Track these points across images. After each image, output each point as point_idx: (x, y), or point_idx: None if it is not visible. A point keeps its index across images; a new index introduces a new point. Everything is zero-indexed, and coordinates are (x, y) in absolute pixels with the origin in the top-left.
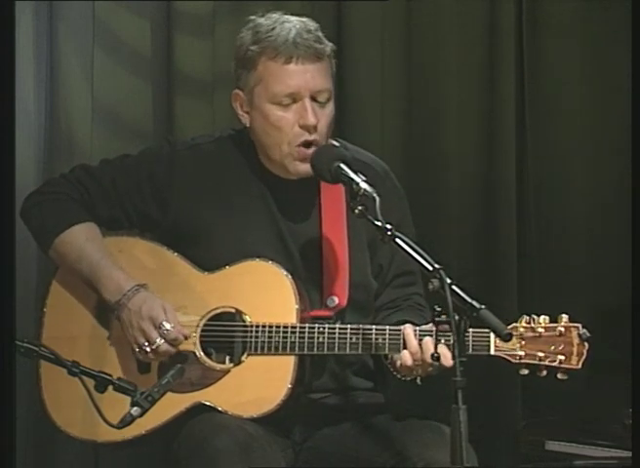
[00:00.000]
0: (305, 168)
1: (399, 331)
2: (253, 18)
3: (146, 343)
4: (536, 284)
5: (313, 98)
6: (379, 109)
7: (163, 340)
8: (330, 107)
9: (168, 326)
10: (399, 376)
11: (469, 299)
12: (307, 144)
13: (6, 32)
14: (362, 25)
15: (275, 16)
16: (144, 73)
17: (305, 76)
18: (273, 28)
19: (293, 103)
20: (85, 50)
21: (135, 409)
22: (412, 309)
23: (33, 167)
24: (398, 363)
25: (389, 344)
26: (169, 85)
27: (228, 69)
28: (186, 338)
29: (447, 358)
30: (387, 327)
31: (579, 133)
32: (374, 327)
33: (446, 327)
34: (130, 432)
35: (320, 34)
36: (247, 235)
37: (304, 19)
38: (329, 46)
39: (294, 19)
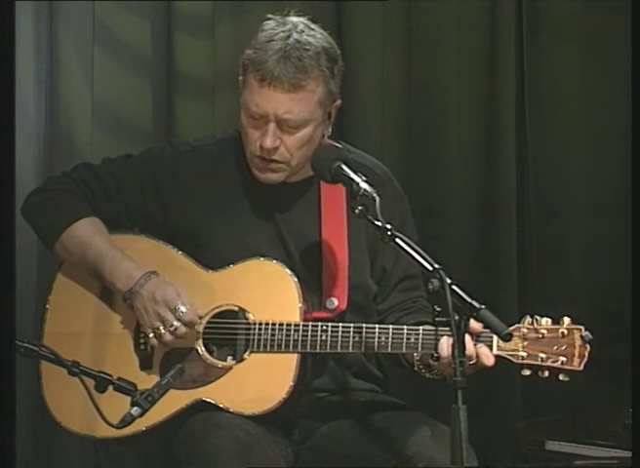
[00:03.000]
0: (264, 177)
1: (402, 329)
2: (270, 17)
3: (162, 326)
4: (536, 284)
5: (281, 124)
6: (379, 109)
7: (180, 322)
8: (303, 132)
9: (183, 308)
10: (428, 375)
11: (469, 299)
12: (265, 160)
13: (6, 32)
14: (362, 25)
15: (281, 27)
16: (144, 73)
17: (275, 103)
18: (269, 41)
19: (262, 120)
20: (85, 50)
21: (135, 408)
22: (423, 311)
23: (33, 167)
24: (432, 359)
25: (392, 343)
26: (169, 85)
27: (228, 69)
28: (201, 318)
29: (489, 357)
30: (390, 326)
31: (579, 133)
32: (377, 326)
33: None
34: (130, 428)
35: (313, 62)
36: (247, 236)
37: (310, 40)
38: (320, 75)
39: (295, 36)
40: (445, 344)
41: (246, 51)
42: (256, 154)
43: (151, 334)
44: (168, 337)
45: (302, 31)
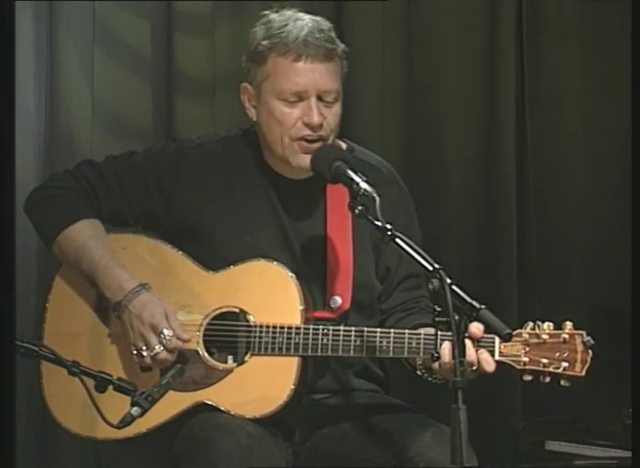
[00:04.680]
0: (307, 160)
1: (403, 333)
2: (266, 12)
3: (145, 349)
4: (536, 284)
5: (320, 98)
6: (379, 109)
7: (162, 348)
8: (337, 107)
9: (169, 334)
10: (430, 378)
11: (469, 299)
12: (310, 139)
13: (6, 32)
14: (362, 25)
15: (289, 12)
16: (144, 73)
17: (314, 75)
18: (285, 25)
19: (299, 101)
20: (85, 50)
21: (135, 408)
22: (424, 312)
23: (33, 167)
24: (432, 359)
25: (393, 348)
26: (169, 85)
27: (228, 69)
28: (187, 342)
29: (490, 363)
30: (392, 330)
31: (579, 133)
32: (378, 330)
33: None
34: (131, 430)
35: (333, 35)
36: (251, 235)
37: (318, 19)
38: (340, 47)
39: (307, 17)
40: (447, 350)
41: (260, 42)
42: (299, 136)
43: (135, 352)
44: (148, 361)
45: (304, 13)
